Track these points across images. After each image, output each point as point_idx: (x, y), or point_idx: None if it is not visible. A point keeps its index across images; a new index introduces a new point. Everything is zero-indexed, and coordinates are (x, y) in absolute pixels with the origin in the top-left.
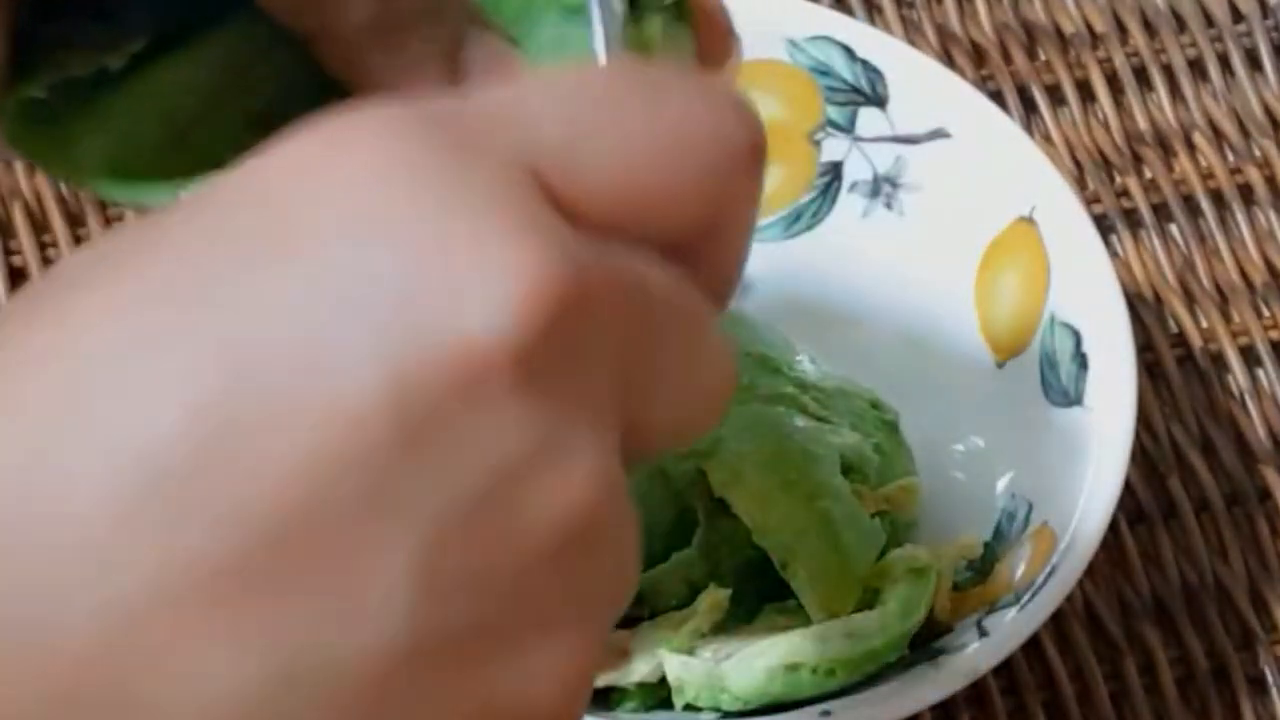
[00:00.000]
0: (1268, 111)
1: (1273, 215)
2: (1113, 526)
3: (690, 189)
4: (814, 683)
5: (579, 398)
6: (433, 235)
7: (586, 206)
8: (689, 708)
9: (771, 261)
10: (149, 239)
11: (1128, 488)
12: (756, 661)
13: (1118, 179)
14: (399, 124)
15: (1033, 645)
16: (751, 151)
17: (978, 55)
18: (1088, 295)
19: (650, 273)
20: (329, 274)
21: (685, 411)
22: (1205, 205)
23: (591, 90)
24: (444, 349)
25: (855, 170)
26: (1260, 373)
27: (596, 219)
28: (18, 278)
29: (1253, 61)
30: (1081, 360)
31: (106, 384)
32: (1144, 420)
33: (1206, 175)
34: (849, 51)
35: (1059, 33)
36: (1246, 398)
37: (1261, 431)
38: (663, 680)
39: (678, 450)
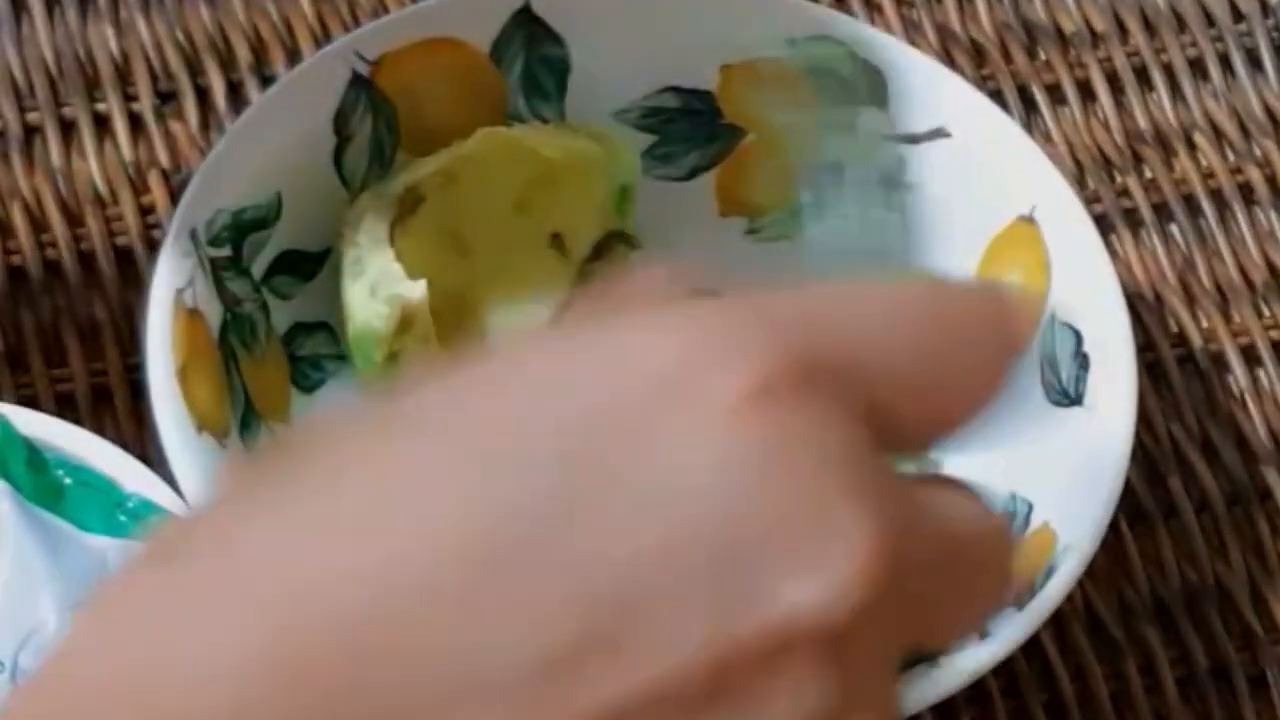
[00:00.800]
0: (1268, 111)
1: (1273, 215)
2: (1113, 526)
3: (985, 390)
4: None
5: (876, 657)
6: (781, 490)
7: (903, 427)
8: None
9: (771, 261)
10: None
11: (1128, 488)
12: None
13: (1118, 179)
14: (757, 345)
15: (1033, 645)
16: (1018, 341)
17: (978, 55)
18: (1088, 295)
19: (957, 508)
20: (679, 512)
21: (965, 616)
22: (1206, 205)
23: (903, 307)
24: (770, 618)
25: (855, 170)
26: (1260, 373)
27: (910, 436)
28: (18, 278)
29: (1253, 61)
30: (1082, 360)
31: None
32: (1144, 420)
33: (1207, 175)
34: (849, 51)
35: (1059, 32)
36: (1247, 398)
37: (1261, 431)
38: None
39: None
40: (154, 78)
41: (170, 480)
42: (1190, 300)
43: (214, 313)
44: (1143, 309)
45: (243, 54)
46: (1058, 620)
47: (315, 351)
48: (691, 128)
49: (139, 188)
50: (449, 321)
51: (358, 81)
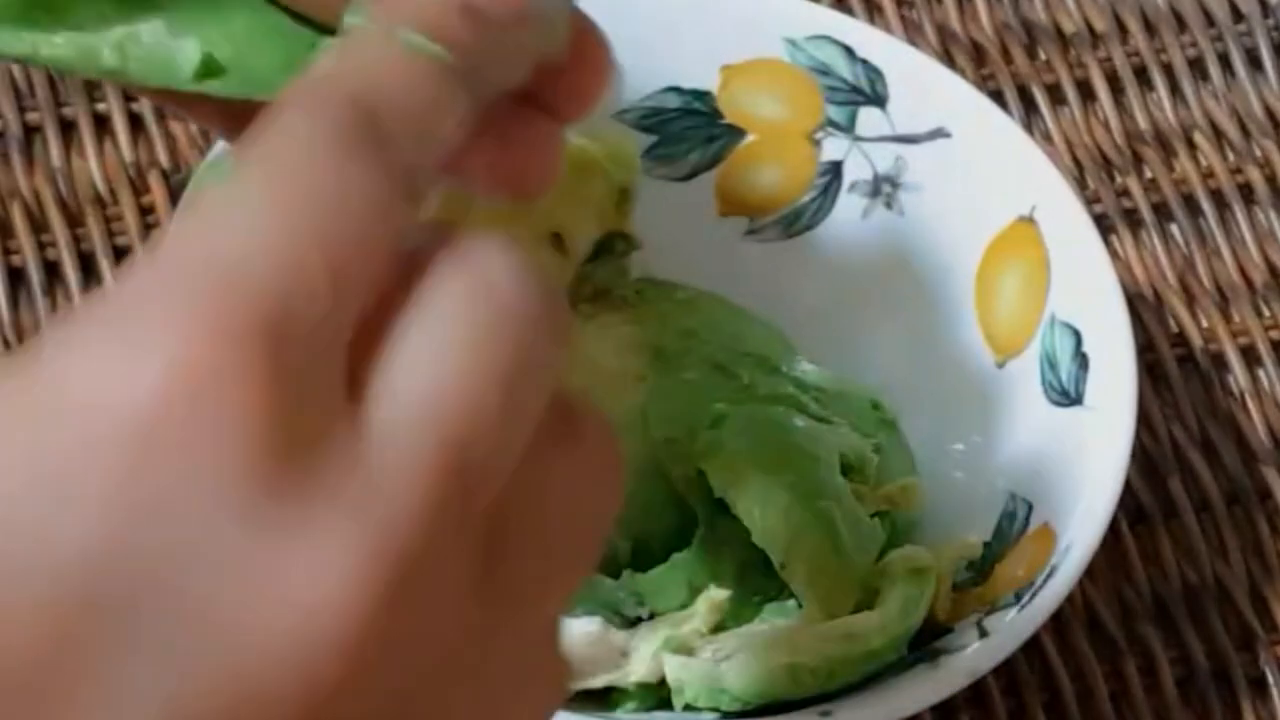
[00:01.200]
0: (1268, 111)
1: (1273, 215)
2: (1113, 526)
3: None
4: (814, 683)
5: None
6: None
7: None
8: (689, 708)
9: (771, 261)
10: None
11: (1128, 488)
12: (756, 662)
13: (1118, 179)
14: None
15: (1033, 645)
16: None
17: (978, 55)
18: (1088, 295)
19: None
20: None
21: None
22: (1206, 205)
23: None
24: None
25: (855, 170)
26: (1260, 373)
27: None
28: (17, 278)
29: (1253, 61)
30: (1082, 360)
31: None
32: (1144, 420)
33: (1207, 175)
34: (849, 51)
35: (1059, 32)
36: (1246, 398)
37: (1261, 431)
38: (662, 681)
39: (678, 451)
40: None
41: None
42: (1190, 300)
43: None
44: (1143, 309)
45: None
46: (1058, 620)
47: None
48: (691, 128)
49: (139, 188)
50: None
51: None
